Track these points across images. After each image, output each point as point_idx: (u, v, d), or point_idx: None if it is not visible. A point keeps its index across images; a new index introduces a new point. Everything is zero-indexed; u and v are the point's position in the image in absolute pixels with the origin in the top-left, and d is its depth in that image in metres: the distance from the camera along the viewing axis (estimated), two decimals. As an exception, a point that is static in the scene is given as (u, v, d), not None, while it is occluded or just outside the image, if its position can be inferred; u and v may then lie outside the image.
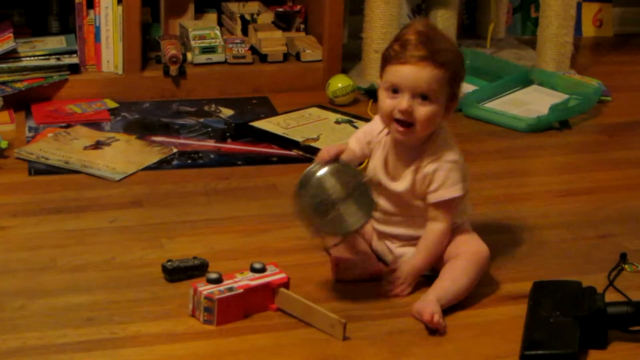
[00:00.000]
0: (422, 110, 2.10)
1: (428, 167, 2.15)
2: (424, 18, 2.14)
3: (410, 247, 2.23)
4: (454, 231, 2.21)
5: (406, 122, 2.12)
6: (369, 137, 2.25)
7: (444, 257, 2.19)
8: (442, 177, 2.15)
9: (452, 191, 2.15)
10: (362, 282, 2.23)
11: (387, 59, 2.13)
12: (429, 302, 2.05)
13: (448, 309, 2.12)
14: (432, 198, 2.16)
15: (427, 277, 2.21)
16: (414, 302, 2.11)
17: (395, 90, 2.11)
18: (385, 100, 2.13)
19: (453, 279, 2.12)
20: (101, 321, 2.05)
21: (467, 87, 3.36)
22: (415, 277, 2.18)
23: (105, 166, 2.76)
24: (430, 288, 2.11)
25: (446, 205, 2.16)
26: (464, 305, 2.15)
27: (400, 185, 2.19)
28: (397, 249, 2.25)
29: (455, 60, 2.13)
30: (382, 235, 2.27)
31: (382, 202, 2.22)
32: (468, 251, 2.17)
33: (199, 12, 3.52)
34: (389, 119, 2.14)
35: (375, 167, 2.23)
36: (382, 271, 2.23)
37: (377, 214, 2.21)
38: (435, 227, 2.17)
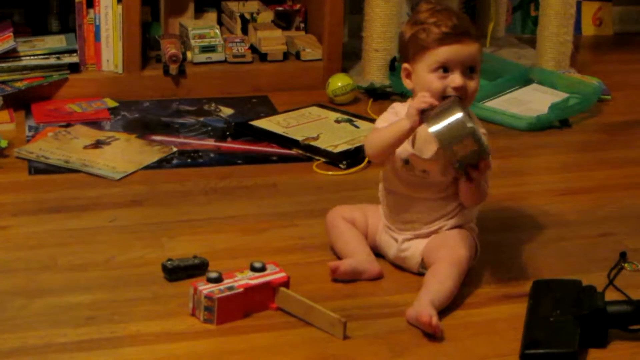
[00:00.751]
0: (472, 84, 2.20)
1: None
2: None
3: (416, 241, 2.24)
4: (444, 231, 2.24)
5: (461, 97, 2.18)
6: (401, 114, 2.26)
7: (426, 260, 2.22)
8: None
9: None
10: (362, 281, 2.23)
11: (425, 43, 2.18)
12: (424, 306, 2.05)
13: (448, 309, 2.12)
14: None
15: (421, 274, 2.22)
16: (411, 302, 2.11)
17: (445, 69, 2.18)
18: (435, 82, 2.18)
19: (440, 282, 2.13)
20: (101, 320, 2.06)
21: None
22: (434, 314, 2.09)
23: (105, 165, 2.76)
24: (422, 292, 2.11)
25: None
26: (464, 304, 2.15)
27: (428, 154, 2.21)
28: (404, 243, 2.26)
29: (476, 33, 2.23)
30: (390, 228, 2.28)
31: (409, 182, 2.24)
32: (447, 256, 2.18)
33: (199, 11, 3.52)
34: (440, 99, 2.18)
35: (404, 144, 2.24)
36: (380, 274, 2.24)
37: (398, 197, 2.25)
38: (451, 256, 2.19)
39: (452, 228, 2.26)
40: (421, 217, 2.26)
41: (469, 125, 2.06)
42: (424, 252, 2.24)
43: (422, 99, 2.14)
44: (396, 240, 2.28)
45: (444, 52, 2.17)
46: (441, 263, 2.17)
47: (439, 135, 2.08)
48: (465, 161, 2.11)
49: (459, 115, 2.08)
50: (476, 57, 2.20)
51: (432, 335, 2.03)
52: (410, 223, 2.27)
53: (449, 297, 2.13)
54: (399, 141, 2.19)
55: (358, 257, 2.25)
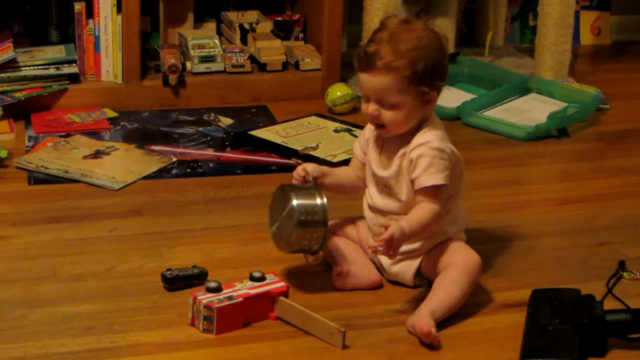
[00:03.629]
0: (388, 115, 2.14)
1: (413, 153, 2.16)
2: (394, 16, 2.16)
3: (405, 262, 2.23)
4: (445, 242, 2.22)
5: (378, 123, 2.17)
6: (367, 134, 2.28)
7: (436, 269, 2.19)
8: (426, 163, 2.13)
9: (434, 178, 2.13)
10: (362, 290, 2.23)
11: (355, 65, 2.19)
12: (423, 316, 2.05)
13: (447, 318, 2.12)
14: (416, 185, 2.15)
15: (418, 287, 2.22)
16: (412, 312, 2.11)
17: (366, 95, 2.17)
18: (362, 104, 2.20)
19: (446, 290, 2.11)
20: (101, 330, 2.06)
21: (465, 96, 3.37)
22: (399, 238, 2.09)
23: (105, 175, 2.77)
24: (424, 302, 2.11)
25: (430, 193, 2.14)
26: (463, 314, 2.15)
27: (388, 171, 2.20)
28: (392, 267, 2.25)
29: (418, 58, 2.10)
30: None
31: (385, 202, 2.22)
32: (459, 262, 2.16)
33: (198, 21, 3.53)
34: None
35: (370, 160, 2.25)
36: (380, 282, 2.24)
37: (378, 224, 2.21)
38: (426, 204, 2.14)
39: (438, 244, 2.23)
40: None
41: (295, 221, 2.13)
42: (423, 269, 2.23)
43: (296, 173, 2.19)
44: (384, 268, 2.27)
45: (359, 79, 2.18)
46: (451, 269, 2.15)
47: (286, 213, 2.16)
48: (300, 248, 2.17)
49: (293, 203, 2.13)
50: (382, 91, 2.11)
51: (431, 345, 2.03)
52: None
53: (454, 306, 2.11)
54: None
55: (357, 264, 2.24)
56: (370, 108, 2.15)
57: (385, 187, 2.22)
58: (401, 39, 2.11)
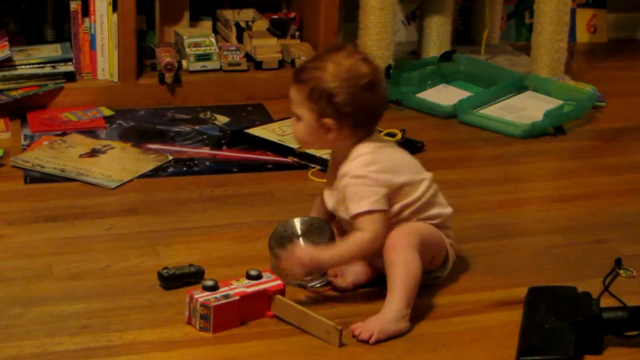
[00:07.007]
0: (294, 125, 2.20)
1: (342, 183, 2.17)
2: (348, 45, 2.23)
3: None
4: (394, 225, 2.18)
5: None
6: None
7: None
8: (350, 192, 2.14)
9: (358, 206, 2.12)
10: (358, 289, 2.23)
11: None
12: (375, 324, 2.05)
13: (443, 316, 2.13)
14: (347, 214, 2.16)
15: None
16: (417, 310, 2.11)
17: None
18: None
19: (390, 291, 2.09)
20: (97, 329, 2.06)
21: (462, 94, 3.38)
22: (306, 264, 2.12)
23: (101, 174, 2.76)
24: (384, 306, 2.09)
25: (359, 220, 2.13)
26: (460, 311, 2.16)
27: (329, 203, 2.23)
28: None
29: (319, 77, 2.13)
30: None
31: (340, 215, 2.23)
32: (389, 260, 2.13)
33: (194, 20, 3.52)
34: None
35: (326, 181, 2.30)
36: (375, 275, 2.24)
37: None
38: (358, 234, 2.14)
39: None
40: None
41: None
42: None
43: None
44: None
45: None
46: (394, 266, 2.11)
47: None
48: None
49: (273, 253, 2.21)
50: (292, 100, 2.17)
51: (427, 343, 2.03)
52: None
53: (413, 287, 2.09)
54: None
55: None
56: (292, 118, 2.21)
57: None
58: (321, 60, 2.16)
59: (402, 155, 2.23)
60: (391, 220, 2.16)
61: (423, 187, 2.19)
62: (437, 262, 2.22)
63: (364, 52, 2.23)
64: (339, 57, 2.15)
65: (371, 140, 2.18)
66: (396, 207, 2.16)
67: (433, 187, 2.21)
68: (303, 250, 2.14)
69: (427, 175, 2.22)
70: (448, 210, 2.24)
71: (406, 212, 2.17)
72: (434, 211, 2.21)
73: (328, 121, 2.14)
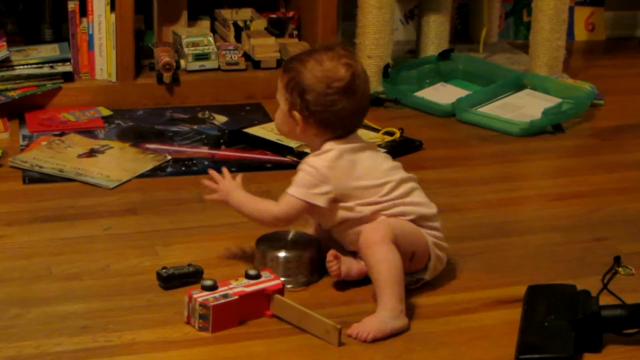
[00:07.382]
0: (276, 113, 2.26)
1: (298, 167, 2.23)
2: (342, 46, 2.26)
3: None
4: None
5: None
6: None
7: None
8: (297, 176, 2.20)
9: (294, 189, 2.18)
10: (357, 285, 2.23)
11: None
12: (372, 324, 2.06)
13: (442, 314, 2.13)
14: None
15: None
16: (410, 308, 2.11)
17: None
18: None
19: (380, 289, 2.10)
20: (96, 329, 2.06)
21: (460, 92, 3.38)
22: (222, 188, 2.28)
23: (100, 174, 2.76)
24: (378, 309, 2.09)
25: (286, 198, 2.18)
26: (459, 310, 2.16)
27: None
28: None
29: (299, 70, 2.17)
30: None
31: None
32: (380, 259, 2.12)
33: (192, 19, 3.52)
34: None
35: None
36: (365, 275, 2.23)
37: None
38: (271, 203, 2.21)
39: None
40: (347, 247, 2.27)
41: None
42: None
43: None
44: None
45: None
46: (378, 266, 2.11)
47: None
48: None
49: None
50: (277, 87, 2.22)
51: (426, 342, 2.03)
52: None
53: (399, 283, 2.09)
54: None
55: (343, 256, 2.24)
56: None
57: None
58: (308, 55, 2.20)
59: (370, 161, 2.21)
60: (360, 221, 2.17)
61: (386, 189, 2.18)
62: (421, 260, 2.20)
63: (354, 57, 2.22)
64: (325, 56, 2.18)
65: (344, 141, 2.19)
66: (350, 203, 2.18)
67: (402, 188, 2.20)
68: (231, 181, 2.27)
69: (396, 177, 2.20)
70: (424, 209, 2.21)
71: (366, 210, 2.17)
72: (407, 209, 2.19)
73: (296, 114, 2.18)
